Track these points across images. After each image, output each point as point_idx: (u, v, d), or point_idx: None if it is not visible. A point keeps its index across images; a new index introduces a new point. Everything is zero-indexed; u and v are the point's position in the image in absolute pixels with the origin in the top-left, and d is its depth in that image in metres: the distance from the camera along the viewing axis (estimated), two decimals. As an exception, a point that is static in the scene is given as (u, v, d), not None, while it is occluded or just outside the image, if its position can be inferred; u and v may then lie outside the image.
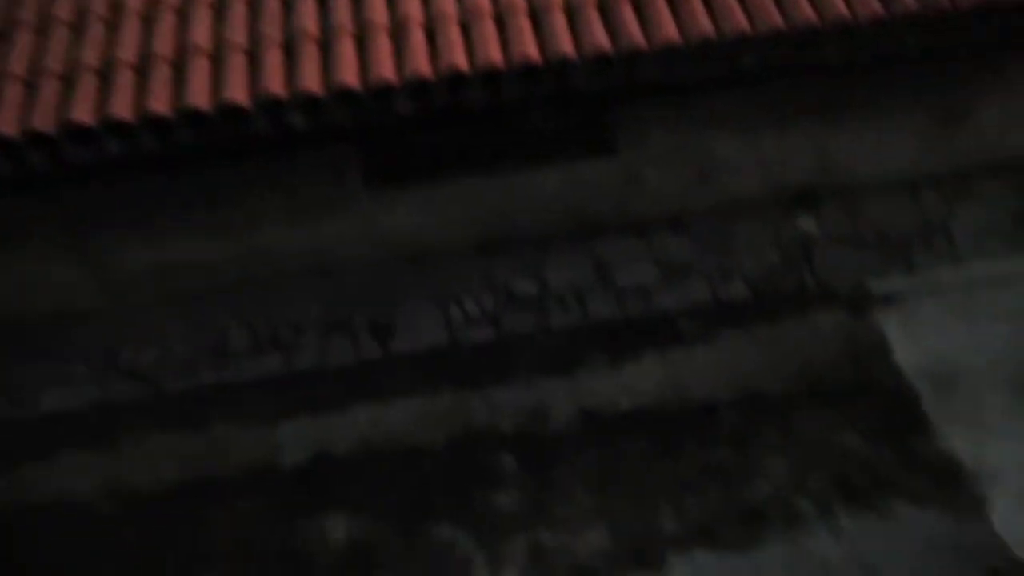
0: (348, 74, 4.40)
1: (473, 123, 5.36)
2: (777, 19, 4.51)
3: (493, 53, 4.45)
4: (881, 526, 4.64)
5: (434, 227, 5.94)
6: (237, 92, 4.35)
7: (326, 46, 4.58)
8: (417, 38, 4.56)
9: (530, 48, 4.46)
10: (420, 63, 4.44)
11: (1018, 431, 5.08)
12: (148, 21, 4.73)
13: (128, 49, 4.56)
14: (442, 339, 5.76)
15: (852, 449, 5.00)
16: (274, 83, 4.38)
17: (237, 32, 4.62)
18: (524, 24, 4.57)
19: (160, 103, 4.33)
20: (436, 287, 5.96)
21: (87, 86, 4.43)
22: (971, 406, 5.19)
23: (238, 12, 4.73)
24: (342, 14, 4.66)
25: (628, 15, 4.57)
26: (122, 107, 4.32)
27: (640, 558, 4.60)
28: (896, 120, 5.98)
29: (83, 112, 4.30)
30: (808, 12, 4.54)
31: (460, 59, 4.45)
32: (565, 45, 4.47)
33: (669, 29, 4.50)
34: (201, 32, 4.61)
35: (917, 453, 4.98)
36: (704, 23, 4.52)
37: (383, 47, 4.53)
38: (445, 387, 5.50)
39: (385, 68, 4.42)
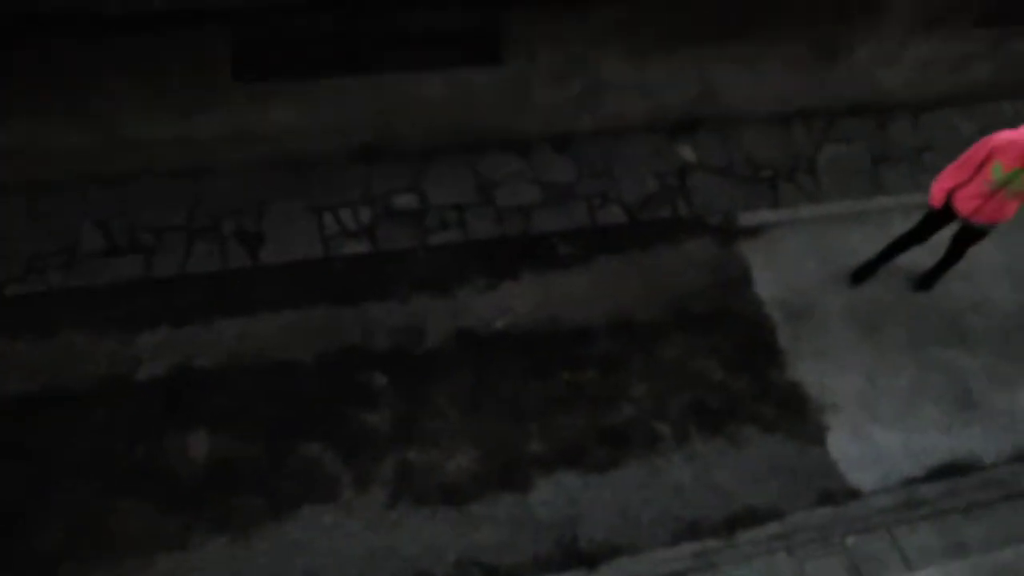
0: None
1: (354, 15, 4.93)
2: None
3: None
4: (731, 451, 5.02)
5: (310, 130, 5.53)
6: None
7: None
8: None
9: None
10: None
11: (860, 364, 5.57)
12: None
13: None
14: (315, 250, 5.49)
15: (711, 376, 5.32)
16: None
17: None
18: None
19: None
20: (311, 195, 5.63)
21: None
22: (821, 339, 5.62)
23: None
24: None
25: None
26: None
27: (507, 479, 4.75)
28: (776, 52, 6.07)
29: None
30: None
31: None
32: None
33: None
34: None
35: (769, 382, 5.37)
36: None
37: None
38: (317, 301, 5.30)
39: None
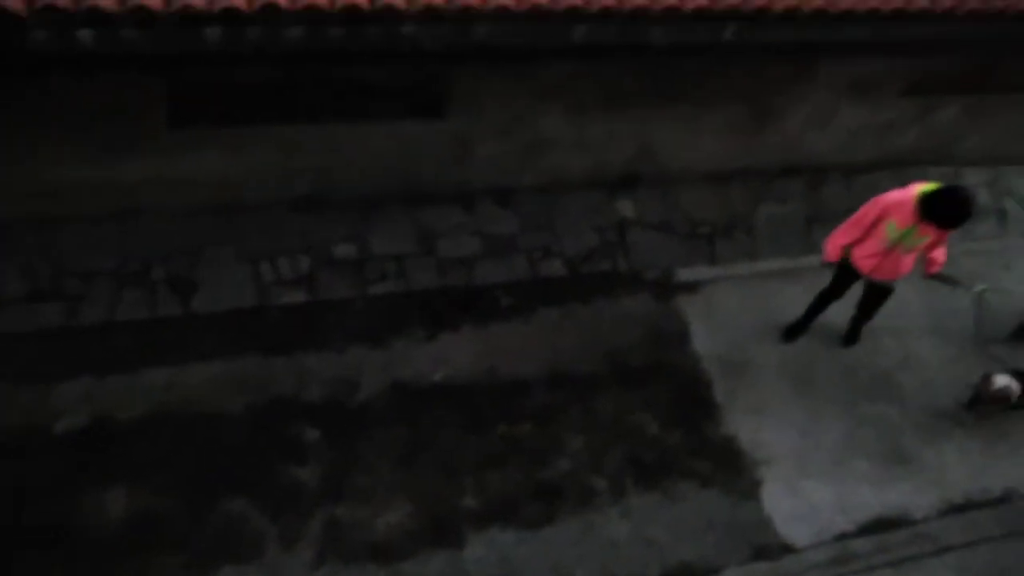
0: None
1: (294, 65, 4.94)
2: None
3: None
4: (667, 505, 5.00)
5: (247, 177, 5.47)
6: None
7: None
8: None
9: None
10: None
11: (794, 419, 5.66)
12: None
13: None
14: (250, 299, 5.40)
15: (647, 430, 5.33)
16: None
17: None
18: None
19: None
20: (248, 243, 5.56)
21: None
22: (756, 394, 5.70)
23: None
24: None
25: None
26: None
27: (439, 536, 4.64)
28: (713, 115, 6.28)
29: None
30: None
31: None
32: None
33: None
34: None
35: (705, 436, 5.40)
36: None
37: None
38: (249, 351, 5.18)
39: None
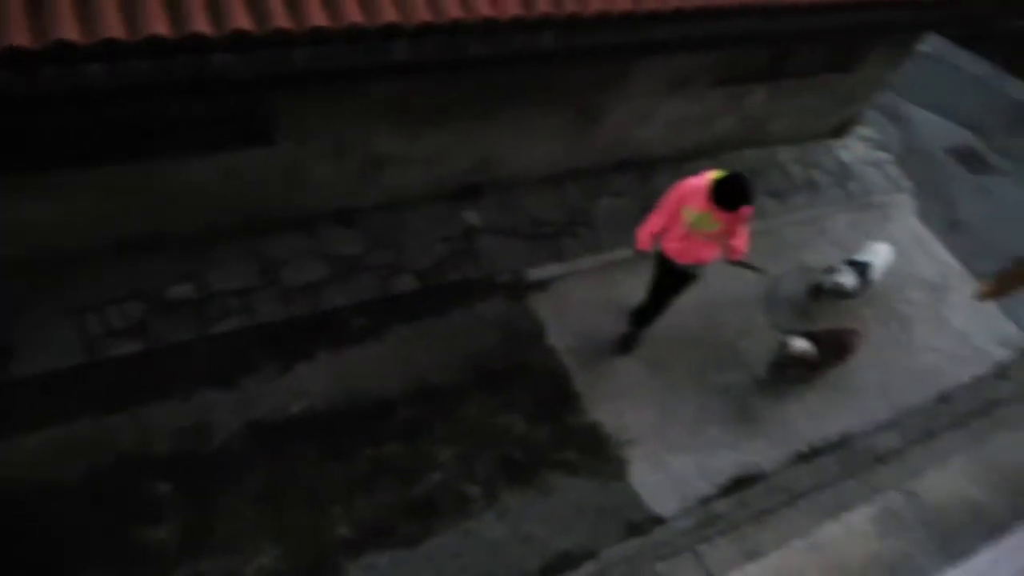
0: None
1: (98, 104, 4.63)
2: (425, 13, 4.57)
3: (112, 25, 3.85)
4: (540, 500, 5.10)
5: (68, 224, 5.08)
6: None
7: None
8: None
9: (159, 23, 3.93)
10: (17, 31, 3.69)
11: (651, 399, 5.93)
12: None
13: None
14: (77, 356, 5.00)
15: (514, 430, 5.41)
16: None
17: None
18: (153, -2, 4.01)
19: None
20: (71, 296, 5.15)
21: None
22: (614, 380, 5.92)
23: None
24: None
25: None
26: None
27: (315, 571, 4.49)
28: (542, 119, 6.49)
29: None
30: (455, 8, 4.67)
31: (71, 31, 3.78)
32: (201, 24, 4.03)
33: (318, 14, 4.31)
34: None
35: (570, 427, 5.56)
36: (353, 11, 4.40)
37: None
38: (84, 412, 4.80)
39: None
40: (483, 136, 6.31)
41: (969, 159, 9.63)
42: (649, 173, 7.67)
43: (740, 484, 5.68)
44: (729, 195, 4.79)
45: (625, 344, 6.17)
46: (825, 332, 6.22)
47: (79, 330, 5.06)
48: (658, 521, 5.29)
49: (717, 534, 5.29)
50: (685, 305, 6.54)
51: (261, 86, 4.60)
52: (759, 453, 5.95)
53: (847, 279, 6.69)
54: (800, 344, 5.93)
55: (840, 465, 6.04)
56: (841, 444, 6.19)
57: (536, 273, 6.48)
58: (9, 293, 5.04)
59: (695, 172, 7.67)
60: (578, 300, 6.41)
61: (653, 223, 5.30)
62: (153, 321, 5.23)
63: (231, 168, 5.41)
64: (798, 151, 8.61)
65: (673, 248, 5.36)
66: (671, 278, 5.67)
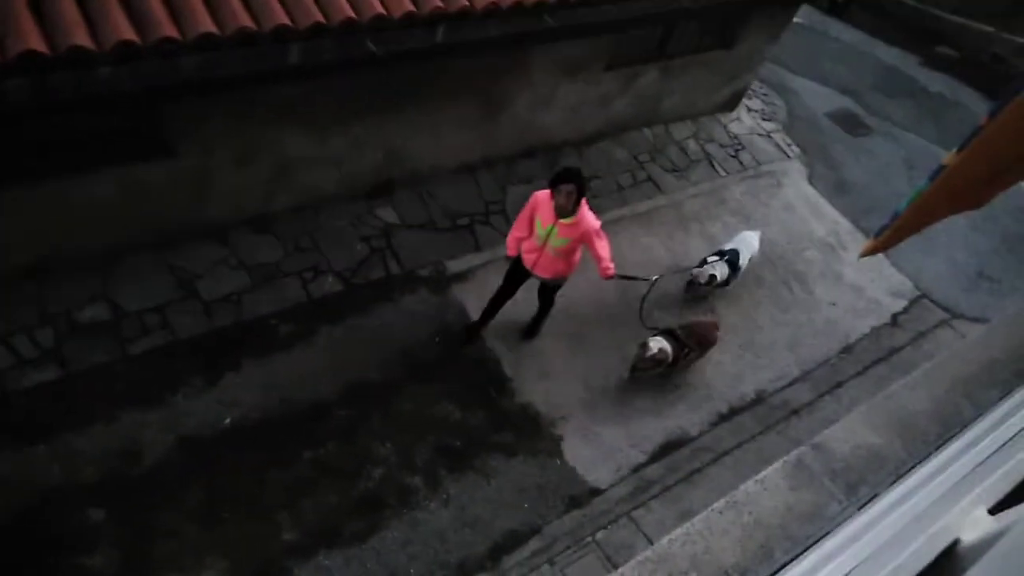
0: None
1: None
2: (317, 14, 4.56)
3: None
4: (482, 483, 5.23)
5: (-46, 255, 4.85)
6: None
7: None
8: None
9: (33, 39, 3.78)
10: None
11: (576, 375, 6.14)
12: None
13: None
14: (-13, 390, 4.79)
15: (450, 418, 5.52)
16: None
17: None
18: (21, 10, 3.83)
19: None
20: (-30, 329, 4.91)
21: None
22: (540, 361, 6.10)
23: None
24: None
25: (155, 5, 4.16)
26: None
27: (264, 580, 4.49)
28: (449, 112, 6.58)
29: None
30: (346, 8, 4.68)
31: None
32: (81, 37, 3.90)
33: (204, 21, 4.24)
34: None
35: (503, 410, 5.70)
36: (242, 16, 4.35)
37: None
38: (1, 447, 4.60)
39: None
40: (391, 132, 6.34)
41: (849, 122, 10.32)
42: (556, 157, 7.88)
43: (668, 449, 5.98)
44: (557, 179, 4.68)
45: (469, 336, 6.02)
46: (686, 327, 6.24)
47: (-14, 363, 4.83)
48: (595, 492, 5.52)
49: (651, 499, 5.57)
50: (601, 281, 6.80)
51: (151, 98, 4.49)
52: (682, 417, 6.27)
53: (719, 270, 6.74)
54: (656, 345, 5.87)
55: (758, 422, 6.44)
56: (757, 401, 6.59)
57: (456, 264, 6.58)
58: (-99, 331, 4.77)
59: (598, 153, 8.13)
60: (498, 286, 6.53)
61: (516, 228, 5.26)
62: (67, 346, 5.05)
63: (132, 183, 5.25)
64: (693, 127, 9.02)
65: (528, 259, 5.29)
66: (539, 288, 5.72)
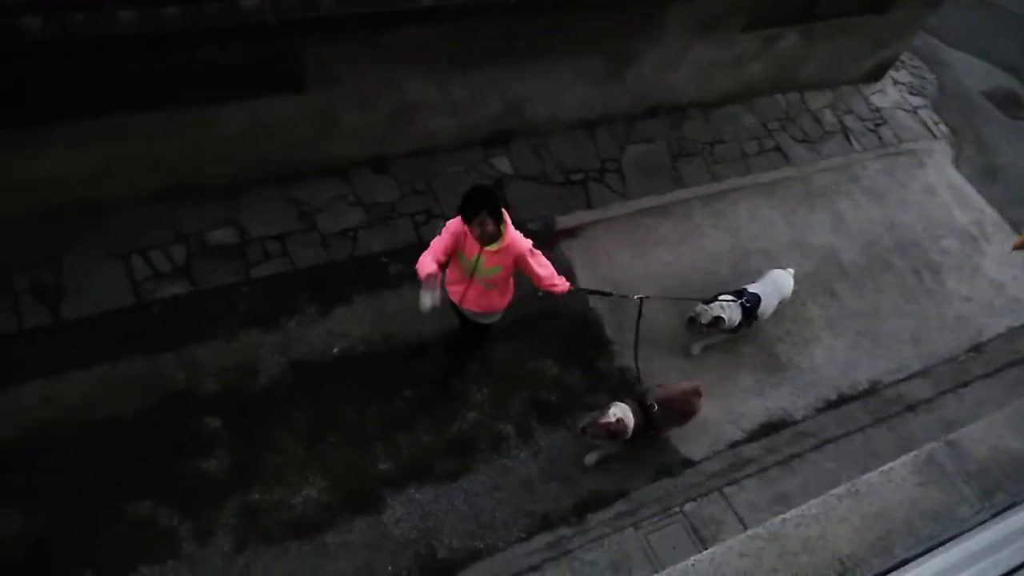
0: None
1: (129, 51, 4.66)
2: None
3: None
4: (571, 441, 5.22)
5: (101, 172, 5.16)
6: None
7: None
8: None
9: None
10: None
11: (680, 346, 5.99)
12: None
13: None
14: (125, 298, 5.16)
15: (547, 374, 5.53)
16: None
17: None
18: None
19: None
20: (114, 241, 5.28)
21: None
22: (643, 326, 5.96)
23: None
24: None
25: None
26: None
27: (358, 504, 4.69)
28: (573, 66, 6.44)
29: None
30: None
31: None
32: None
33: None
34: None
35: (600, 371, 5.66)
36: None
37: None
38: (133, 351, 4.97)
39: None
40: (513, 82, 6.28)
41: (1008, 103, 9.40)
42: (679, 119, 7.61)
43: (768, 430, 5.79)
44: (467, 205, 4.02)
45: (445, 384, 5.31)
46: (666, 401, 5.06)
47: (126, 273, 5.20)
48: (688, 464, 5.43)
49: (746, 477, 5.42)
50: (717, 251, 6.60)
51: (289, 32, 4.63)
52: (787, 400, 6.04)
53: (727, 313, 5.51)
54: (616, 412, 4.76)
55: (868, 413, 6.12)
56: (870, 392, 6.26)
57: (566, 220, 6.52)
58: (56, 238, 5.18)
59: (725, 117, 7.78)
60: (608, 247, 6.45)
61: (430, 251, 4.29)
62: (197, 264, 5.37)
63: (263, 115, 5.46)
64: (831, 96, 8.47)
65: (454, 292, 4.56)
66: (466, 323, 4.90)
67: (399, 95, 5.79)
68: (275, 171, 5.82)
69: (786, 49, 7.62)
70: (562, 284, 4.55)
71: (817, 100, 8.34)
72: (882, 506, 1.45)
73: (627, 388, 5.65)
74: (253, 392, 5.00)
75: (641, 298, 5.20)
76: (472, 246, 4.23)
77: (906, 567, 1.37)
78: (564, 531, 4.89)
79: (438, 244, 4.31)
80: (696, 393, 5.27)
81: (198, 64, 4.94)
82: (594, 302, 6.00)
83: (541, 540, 4.81)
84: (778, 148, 7.74)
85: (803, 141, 7.91)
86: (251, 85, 5.21)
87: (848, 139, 8.14)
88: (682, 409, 5.20)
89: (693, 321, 5.62)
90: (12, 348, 4.79)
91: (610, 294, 5.19)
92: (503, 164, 6.61)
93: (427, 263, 4.19)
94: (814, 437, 5.87)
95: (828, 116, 8.25)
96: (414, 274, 5.69)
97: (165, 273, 5.29)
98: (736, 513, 5.23)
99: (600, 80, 6.74)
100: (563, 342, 5.73)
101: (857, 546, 1.39)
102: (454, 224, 4.28)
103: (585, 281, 6.09)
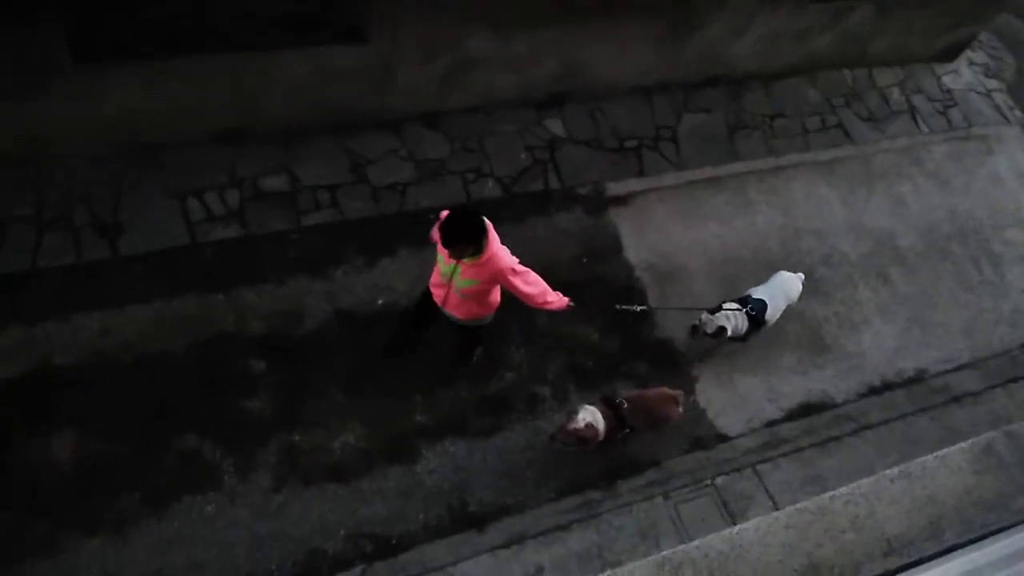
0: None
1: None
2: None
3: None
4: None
5: (164, 112, 5.26)
6: None
7: None
8: None
9: None
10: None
11: (724, 320, 5.91)
12: None
13: None
14: (181, 237, 5.28)
15: (586, 339, 5.53)
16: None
17: None
18: None
19: None
20: (172, 181, 5.40)
21: None
22: (686, 298, 5.93)
23: None
24: None
25: None
26: None
27: (394, 452, 4.79)
28: (636, 29, 6.30)
29: None
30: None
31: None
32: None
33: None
34: None
35: (641, 341, 5.64)
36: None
37: None
38: (186, 290, 5.10)
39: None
40: (575, 42, 6.18)
41: (1090, 93, 8.94)
42: (738, 90, 7.42)
43: (807, 411, 5.73)
44: (446, 228, 3.82)
45: (392, 349, 5.14)
46: (636, 400, 4.84)
47: (182, 214, 5.32)
48: (723, 439, 5.41)
49: (780, 456, 5.38)
50: (769, 228, 6.47)
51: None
52: (829, 382, 5.95)
53: (732, 323, 5.20)
54: (585, 417, 4.55)
55: (912, 401, 6.00)
56: (915, 380, 6.13)
57: (616, 187, 6.44)
58: (116, 176, 5.31)
59: (788, 90, 7.55)
60: (657, 216, 6.37)
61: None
62: (250, 209, 5.46)
63: (324, 65, 5.47)
64: (900, 74, 8.16)
65: (439, 295, 4.39)
66: (428, 318, 4.74)
67: (459, 50, 5.75)
68: (330, 121, 5.85)
69: (857, 22, 7.33)
70: (557, 301, 4.30)
71: (885, 77, 8.04)
72: (935, 491, 1.43)
73: (667, 359, 5.64)
74: (298, 337, 5.10)
75: (643, 309, 5.15)
76: (448, 256, 3.97)
77: (955, 553, 1.35)
78: (594, 495, 4.93)
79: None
80: (674, 401, 4.92)
81: (265, 10, 4.97)
82: (640, 271, 5.96)
83: (570, 502, 4.86)
84: (840, 125, 7.51)
85: (867, 119, 7.65)
86: (315, 33, 5.22)
87: (915, 120, 7.85)
88: (654, 414, 4.89)
89: (696, 330, 5.27)
90: (73, 279, 4.95)
91: (614, 308, 4.95)
92: (556, 126, 6.54)
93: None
94: (854, 421, 5.79)
95: (896, 95, 7.96)
96: (461, 231, 5.79)
97: (219, 216, 5.39)
98: (767, 491, 5.20)
99: (662, 45, 6.59)
100: (603, 310, 5.69)
101: (906, 528, 1.38)
102: (436, 233, 4.04)
103: (633, 249, 6.05)
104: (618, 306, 4.94)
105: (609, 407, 4.68)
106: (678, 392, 5.04)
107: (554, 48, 6.10)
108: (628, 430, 4.84)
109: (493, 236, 3.98)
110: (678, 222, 6.35)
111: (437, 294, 4.39)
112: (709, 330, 5.18)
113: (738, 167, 6.84)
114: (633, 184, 6.47)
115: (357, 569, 4.41)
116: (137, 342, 4.86)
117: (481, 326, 4.65)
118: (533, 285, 4.15)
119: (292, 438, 4.71)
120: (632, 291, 5.87)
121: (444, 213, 3.96)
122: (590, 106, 6.74)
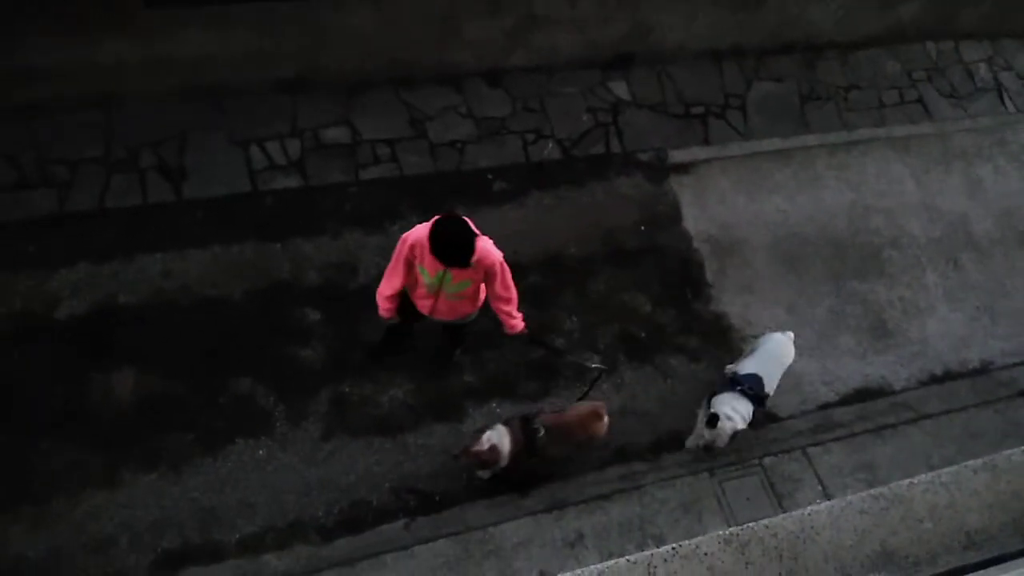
0: None
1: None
2: None
3: None
4: (658, 379, 5.18)
5: (230, 58, 5.28)
6: None
7: None
8: None
9: None
10: None
11: (782, 297, 5.79)
12: None
13: None
14: (243, 185, 5.33)
15: (640, 309, 5.45)
16: None
17: None
18: None
19: None
20: (235, 128, 5.43)
21: None
22: (746, 273, 5.79)
23: None
24: None
25: None
26: None
27: (441, 410, 4.82)
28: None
29: None
30: None
31: None
32: None
33: None
34: None
35: (695, 314, 5.53)
36: None
37: None
38: (245, 236, 5.17)
39: None
40: (642, 2, 5.97)
41: None
42: (813, 59, 7.11)
43: (863, 396, 5.57)
44: (447, 248, 3.72)
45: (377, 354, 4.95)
46: (555, 425, 4.35)
47: (244, 161, 5.37)
48: (773, 419, 5.30)
49: (832, 441, 5.26)
50: (837, 205, 6.25)
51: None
52: (888, 368, 5.77)
53: (740, 416, 4.54)
54: (491, 438, 4.17)
55: (975, 393, 5.78)
56: (981, 371, 5.90)
57: (680, 155, 6.26)
58: (182, 121, 5.37)
59: (866, 61, 7.20)
60: (720, 187, 6.19)
61: (386, 285, 4.09)
62: (310, 160, 5.48)
63: (388, 15, 5.40)
64: (989, 49, 7.69)
65: (424, 306, 4.20)
66: (444, 328, 4.58)
67: (526, 5, 5.62)
68: (392, 74, 5.80)
69: (949, -9, 6.94)
70: (517, 321, 4.15)
71: (973, 52, 7.60)
72: (1020, 487, 1.34)
73: (719, 334, 5.53)
74: (352, 289, 5.13)
75: (601, 369, 4.71)
76: (435, 264, 3.80)
77: (1040, 554, 1.27)
78: (638, 466, 4.90)
79: (393, 272, 4.03)
80: (595, 416, 4.46)
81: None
82: (699, 243, 5.82)
83: (614, 472, 4.84)
84: (920, 100, 7.15)
85: (949, 96, 7.27)
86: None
87: (1001, 98, 7.43)
88: (576, 436, 4.46)
89: (709, 449, 4.62)
90: (138, 220, 5.06)
91: (561, 353, 4.75)
92: (620, 89, 6.37)
93: (384, 304, 4.12)
94: (912, 410, 5.61)
95: (983, 71, 7.52)
96: (518, 193, 5.74)
97: (280, 165, 5.43)
98: (817, 474, 5.10)
99: (736, 8, 6.34)
100: (661, 280, 5.60)
101: (988, 522, 1.30)
102: (412, 238, 3.87)
103: (693, 220, 5.90)
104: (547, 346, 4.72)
105: (524, 431, 4.27)
106: (599, 404, 4.55)
107: (624, 5, 5.91)
108: (535, 458, 4.38)
109: (478, 232, 3.86)
110: (741, 194, 6.16)
111: (423, 306, 4.20)
112: (722, 444, 4.54)
113: (808, 139, 6.58)
114: (697, 152, 6.29)
115: (401, 522, 4.48)
116: (196, 286, 4.95)
117: (468, 324, 4.50)
118: (510, 289, 4.08)
119: (342, 389, 4.77)
120: (690, 263, 5.75)
121: (424, 230, 3.80)
122: (657, 69, 6.54)
